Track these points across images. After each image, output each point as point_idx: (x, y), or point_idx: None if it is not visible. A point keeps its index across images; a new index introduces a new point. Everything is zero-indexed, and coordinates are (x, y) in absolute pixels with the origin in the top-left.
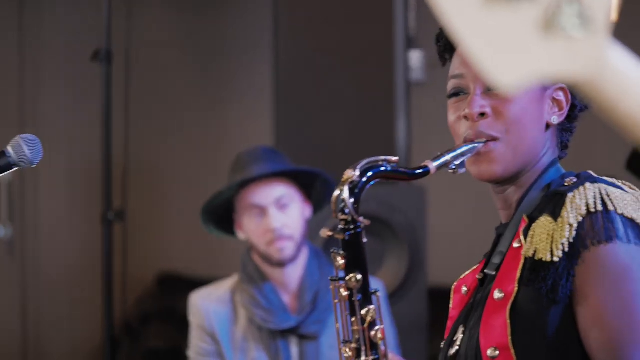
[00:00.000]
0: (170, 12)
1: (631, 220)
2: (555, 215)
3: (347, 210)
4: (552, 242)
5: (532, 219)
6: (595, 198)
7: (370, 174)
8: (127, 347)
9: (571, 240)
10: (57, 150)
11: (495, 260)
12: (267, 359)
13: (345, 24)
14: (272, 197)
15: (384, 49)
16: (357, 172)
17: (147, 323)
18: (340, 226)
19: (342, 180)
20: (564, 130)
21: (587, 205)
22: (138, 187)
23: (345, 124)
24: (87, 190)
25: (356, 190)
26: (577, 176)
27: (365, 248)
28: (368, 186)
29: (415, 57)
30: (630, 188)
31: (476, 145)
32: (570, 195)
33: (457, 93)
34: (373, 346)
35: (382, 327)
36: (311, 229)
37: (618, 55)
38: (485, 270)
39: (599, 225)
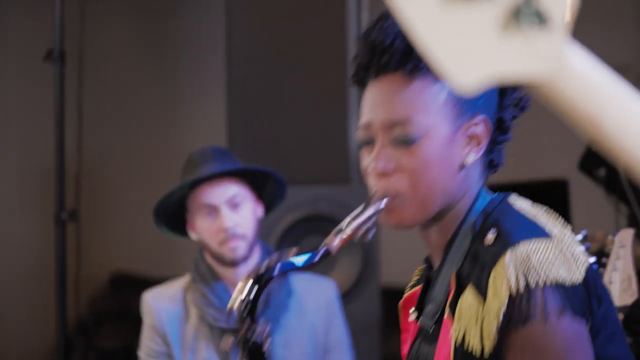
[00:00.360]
0: (124, 12)
1: (556, 285)
2: (481, 288)
3: (246, 325)
4: (481, 330)
5: (460, 281)
6: (517, 276)
7: (252, 294)
8: (81, 347)
9: (498, 329)
10: (10, 150)
11: (430, 309)
12: (217, 359)
13: (298, 23)
14: (224, 196)
15: (337, 48)
16: (243, 295)
17: (101, 323)
18: (241, 339)
19: (229, 306)
20: (492, 151)
21: (509, 287)
22: (91, 187)
23: (298, 123)
24: (40, 191)
25: (246, 312)
26: (495, 222)
27: (265, 355)
28: (260, 297)
29: None
30: (551, 219)
31: (379, 206)
32: (492, 275)
33: (365, 143)
34: None
35: None
36: (263, 229)
37: (576, 55)
38: (420, 321)
39: (520, 308)
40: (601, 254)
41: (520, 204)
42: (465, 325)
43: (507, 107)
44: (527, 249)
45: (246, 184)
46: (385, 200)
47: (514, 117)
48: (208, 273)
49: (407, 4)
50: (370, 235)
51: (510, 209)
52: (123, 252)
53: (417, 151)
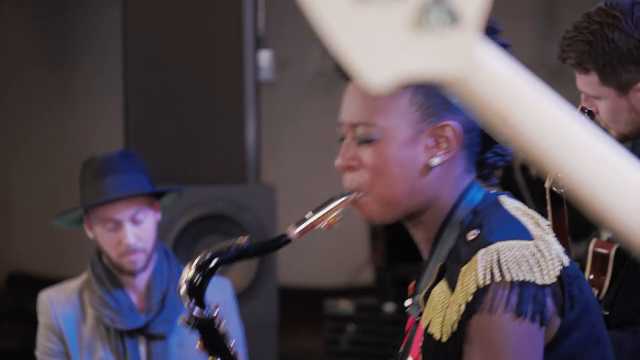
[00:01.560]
0: (21, 11)
1: (521, 284)
2: (452, 281)
3: (191, 306)
4: (443, 318)
5: (440, 274)
6: (485, 270)
7: (206, 269)
8: None
9: (460, 319)
10: None
11: (415, 299)
12: (114, 359)
13: (194, 24)
14: (128, 213)
15: (233, 48)
16: (192, 271)
17: None
18: (188, 318)
19: (182, 278)
20: (487, 149)
21: (477, 281)
22: None
23: (195, 124)
24: None
25: (194, 288)
26: (480, 221)
27: (219, 333)
28: (210, 279)
29: (265, 57)
30: (536, 223)
31: (344, 199)
32: (462, 269)
33: (341, 138)
34: None
35: None
36: (160, 229)
37: (488, 53)
38: (408, 311)
39: (483, 299)
40: None
41: (511, 204)
42: (432, 314)
43: None
44: (500, 247)
45: (148, 195)
46: (349, 194)
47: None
48: (105, 275)
49: (317, 2)
50: (334, 226)
51: (499, 209)
52: (20, 252)
53: (377, 150)
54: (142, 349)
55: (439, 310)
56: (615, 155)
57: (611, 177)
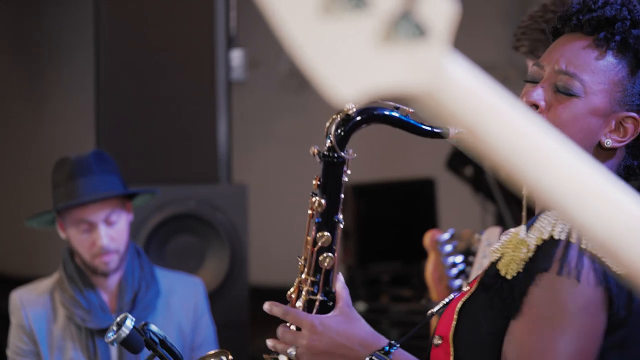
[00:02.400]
0: None
1: (593, 255)
2: (530, 225)
3: (329, 139)
4: (512, 256)
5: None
6: (564, 226)
7: (364, 115)
8: None
9: (527, 261)
10: None
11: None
12: (84, 359)
13: (166, 23)
14: (102, 215)
15: (205, 48)
16: (353, 109)
17: None
18: (324, 150)
19: (339, 111)
20: (636, 156)
21: (552, 230)
22: None
23: (167, 123)
24: None
25: (343, 126)
26: None
27: (340, 179)
28: (362, 126)
29: (236, 57)
30: None
31: None
32: (542, 215)
33: (532, 80)
34: (317, 270)
35: (333, 256)
36: (132, 227)
37: (455, 66)
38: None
39: (557, 255)
40: (468, 252)
41: None
42: (503, 251)
43: None
44: None
45: (121, 198)
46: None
47: None
48: (77, 275)
49: (286, 15)
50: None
51: None
52: None
53: (571, 104)
54: (113, 349)
55: (511, 248)
56: (580, 162)
57: (577, 184)
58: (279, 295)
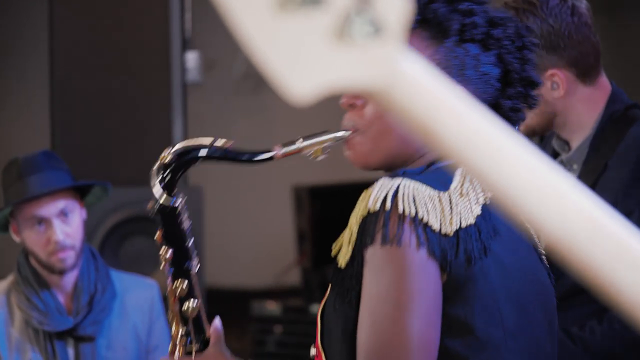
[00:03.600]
0: None
1: (413, 218)
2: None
3: (154, 191)
4: (342, 244)
5: None
6: (378, 196)
7: (182, 160)
8: None
9: (355, 243)
10: None
11: None
12: None
13: (121, 24)
14: (55, 209)
15: (160, 49)
16: (170, 156)
17: None
18: (154, 202)
19: (159, 160)
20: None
21: (366, 203)
22: None
23: (121, 125)
24: None
25: (166, 174)
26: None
27: (179, 227)
28: (183, 170)
29: (192, 58)
30: (464, 188)
31: (337, 135)
32: (362, 194)
33: None
34: (185, 320)
35: (195, 302)
36: (86, 230)
37: (412, 63)
38: None
39: (376, 227)
40: None
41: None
42: (340, 240)
43: (508, 96)
44: (404, 183)
45: (73, 193)
46: (343, 132)
47: (515, 109)
48: (32, 277)
49: (239, 11)
50: (320, 158)
51: (446, 167)
52: None
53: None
54: (71, 351)
55: (346, 234)
56: (540, 163)
57: (537, 186)
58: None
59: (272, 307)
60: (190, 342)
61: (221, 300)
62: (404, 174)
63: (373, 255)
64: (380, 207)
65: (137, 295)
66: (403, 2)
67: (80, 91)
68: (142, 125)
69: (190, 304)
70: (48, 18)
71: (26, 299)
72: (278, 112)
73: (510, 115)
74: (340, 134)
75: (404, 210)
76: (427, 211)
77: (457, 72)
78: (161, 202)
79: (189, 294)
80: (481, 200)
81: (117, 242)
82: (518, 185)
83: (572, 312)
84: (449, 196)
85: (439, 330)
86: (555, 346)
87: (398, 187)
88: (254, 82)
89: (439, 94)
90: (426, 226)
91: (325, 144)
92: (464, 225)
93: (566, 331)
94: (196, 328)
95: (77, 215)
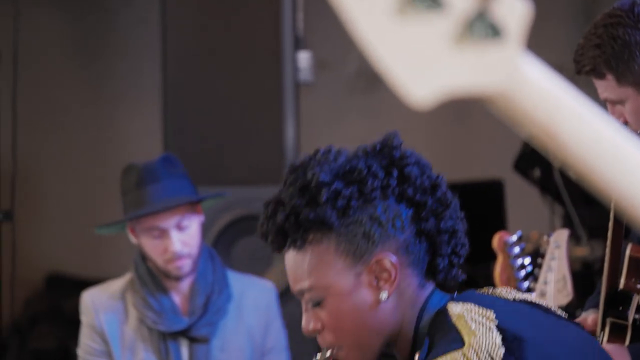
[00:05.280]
0: (58, 11)
1: None
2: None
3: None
4: None
5: None
6: None
7: None
8: (16, 348)
9: None
10: None
11: None
12: None
13: (233, 24)
14: (173, 221)
15: (272, 49)
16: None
17: (36, 324)
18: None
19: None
20: (428, 262)
21: None
22: (26, 188)
23: (233, 125)
24: None
25: None
26: (431, 343)
27: None
28: None
29: (304, 58)
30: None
31: (326, 356)
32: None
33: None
34: None
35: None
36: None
37: (531, 67)
38: None
39: None
40: (536, 254)
41: (455, 309)
42: None
43: (423, 218)
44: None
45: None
46: (329, 351)
47: (436, 214)
48: (149, 277)
49: (359, 15)
50: None
51: (444, 320)
52: (58, 253)
53: (327, 309)
54: (185, 352)
55: None
56: None
57: None
58: None
59: None
60: None
61: None
62: (434, 354)
63: None
64: None
65: (254, 297)
66: (522, 5)
67: (192, 92)
68: (254, 125)
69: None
70: (160, 19)
71: (141, 299)
72: (390, 112)
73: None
74: (326, 354)
75: None
76: None
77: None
78: None
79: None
80: (491, 323)
81: (229, 242)
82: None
83: None
84: (469, 351)
85: None
86: None
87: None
88: (366, 81)
89: (561, 98)
90: None
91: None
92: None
93: None
94: None
95: (195, 223)
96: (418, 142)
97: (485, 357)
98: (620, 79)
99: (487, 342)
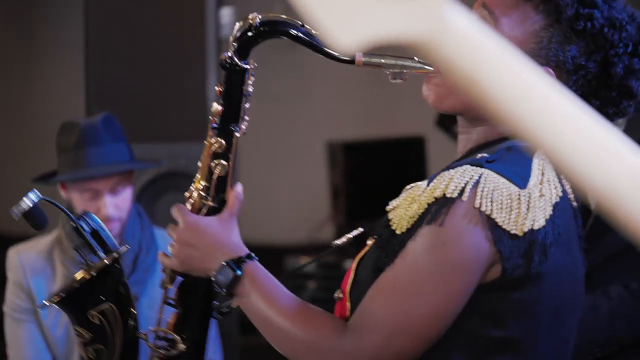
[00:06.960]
0: None
1: (487, 217)
2: (429, 182)
3: (229, 55)
4: (405, 211)
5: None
6: (457, 184)
7: (267, 27)
8: None
9: (416, 219)
10: None
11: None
12: None
13: None
14: (109, 185)
15: (195, 6)
16: (257, 18)
17: None
18: (226, 58)
19: (245, 19)
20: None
21: (446, 187)
22: None
23: (157, 82)
24: None
25: (245, 35)
26: (494, 152)
27: (239, 88)
28: (265, 38)
29: (226, 14)
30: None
31: (422, 66)
32: (443, 172)
33: None
34: (210, 175)
35: (226, 164)
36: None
37: (459, 15)
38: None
39: (445, 209)
40: None
41: (540, 156)
42: (400, 205)
43: (599, 97)
44: (487, 175)
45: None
46: (429, 67)
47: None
48: (76, 234)
49: None
50: (395, 81)
51: (522, 149)
52: None
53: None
54: None
55: (407, 203)
56: (590, 120)
57: (585, 140)
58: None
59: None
60: (206, 198)
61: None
62: (487, 162)
63: (426, 232)
64: (458, 196)
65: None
66: None
67: (115, 46)
68: (177, 81)
69: (221, 162)
70: None
71: (69, 257)
72: (315, 68)
73: None
74: (426, 66)
75: (480, 205)
76: (502, 209)
77: (551, 55)
78: (233, 58)
79: (224, 154)
80: (554, 199)
81: (153, 198)
82: (566, 139)
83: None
84: (528, 195)
85: (454, 316)
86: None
87: (479, 178)
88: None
89: (487, 47)
90: (496, 225)
91: (406, 70)
92: (535, 227)
93: (626, 287)
94: (217, 187)
95: (129, 187)
96: (340, 99)
97: (527, 217)
98: None
99: (536, 205)
